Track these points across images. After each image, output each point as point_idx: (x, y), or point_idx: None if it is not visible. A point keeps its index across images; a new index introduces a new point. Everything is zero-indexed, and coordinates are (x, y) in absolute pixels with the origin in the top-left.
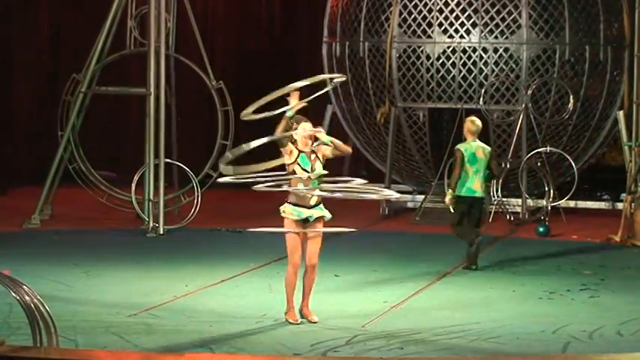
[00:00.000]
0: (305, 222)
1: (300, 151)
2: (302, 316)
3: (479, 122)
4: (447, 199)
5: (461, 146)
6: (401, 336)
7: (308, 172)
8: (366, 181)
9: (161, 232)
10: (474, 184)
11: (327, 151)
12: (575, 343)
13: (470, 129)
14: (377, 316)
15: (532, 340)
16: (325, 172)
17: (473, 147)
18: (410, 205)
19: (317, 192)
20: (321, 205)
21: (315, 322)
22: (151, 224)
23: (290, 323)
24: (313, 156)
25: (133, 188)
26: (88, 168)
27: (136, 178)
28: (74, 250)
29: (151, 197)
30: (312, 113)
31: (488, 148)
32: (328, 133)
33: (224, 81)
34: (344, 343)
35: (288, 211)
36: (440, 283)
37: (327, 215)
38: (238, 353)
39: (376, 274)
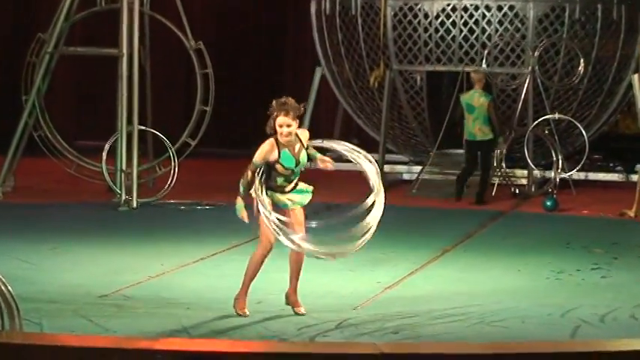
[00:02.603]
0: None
1: (281, 147)
2: (287, 303)
3: (481, 70)
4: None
5: (461, 96)
6: (395, 319)
7: (292, 169)
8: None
9: (134, 205)
10: (474, 129)
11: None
12: (586, 327)
13: (473, 77)
14: (370, 298)
15: (538, 323)
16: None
17: (471, 97)
18: (406, 176)
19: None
20: (300, 187)
21: (302, 315)
22: (124, 197)
23: (238, 315)
24: (298, 146)
25: (104, 158)
26: (55, 135)
27: (107, 146)
28: (39, 226)
29: (124, 168)
30: (299, 76)
31: (485, 97)
32: (316, 97)
33: (203, 41)
34: (334, 327)
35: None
36: (438, 262)
37: (305, 200)
38: (218, 338)
39: (369, 252)
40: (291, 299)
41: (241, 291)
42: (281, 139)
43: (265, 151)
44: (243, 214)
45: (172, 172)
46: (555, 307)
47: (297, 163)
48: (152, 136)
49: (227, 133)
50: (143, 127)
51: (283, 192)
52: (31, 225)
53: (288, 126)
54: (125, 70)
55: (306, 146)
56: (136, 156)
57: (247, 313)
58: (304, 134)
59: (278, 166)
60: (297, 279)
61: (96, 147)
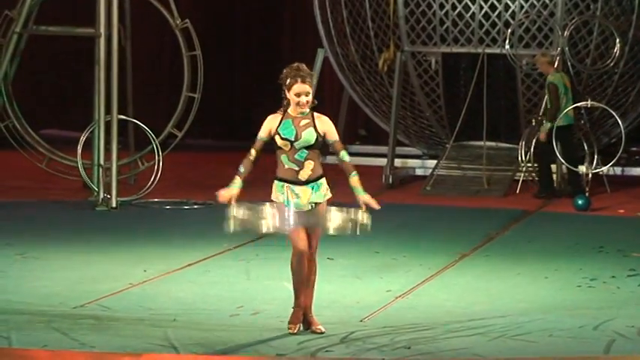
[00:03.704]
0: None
1: (285, 117)
2: (306, 328)
3: (548, 53)
4: (543, 135)
5: (553, 79)
6: (407, 333)
7: (290, 140)
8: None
9: (114, 204)
10: (571, 112)
11: (332, 135)
12: (621, 342)
13: (542, 61)
14: (379, 309)
15: (568, 337)
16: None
17: (562, 77)
18: (419, 172)
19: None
20: (321, 181)
21: (321, 333)
22: (102, 195)
23: (290, 334)
24: (305, 121)
25: (80, 151)
26: (24, 126)
27: (82, 138)
28: (7, 227)
29: (102, 162)
30: (299, 58)
31: (569, 76)
32: (318, 83)
33: (191, 19)
34: (338, 341)
35: (275, 192)
36: (455, 268)
37: (326, 196)
38: (208, 354)
39: (378, 256)
40: (307, 319)
41: (294, 303)
42: (297, 110)
43: (268, 119)
44: (228, 193)
45: (156, 167)
46: (587, 319)
47: (297, 137)
48: (133, 127)
49: (217, 123)
50: (123, 117)
51: (298, 181)
52: None
53: (307, 94)
54: (103, 53)
55: (322, 134)
56: (116, 149)
57: (294, 330)
58: (322, 120)
59: (277, 138)
60: (312, 296)
61: (69, 138)
